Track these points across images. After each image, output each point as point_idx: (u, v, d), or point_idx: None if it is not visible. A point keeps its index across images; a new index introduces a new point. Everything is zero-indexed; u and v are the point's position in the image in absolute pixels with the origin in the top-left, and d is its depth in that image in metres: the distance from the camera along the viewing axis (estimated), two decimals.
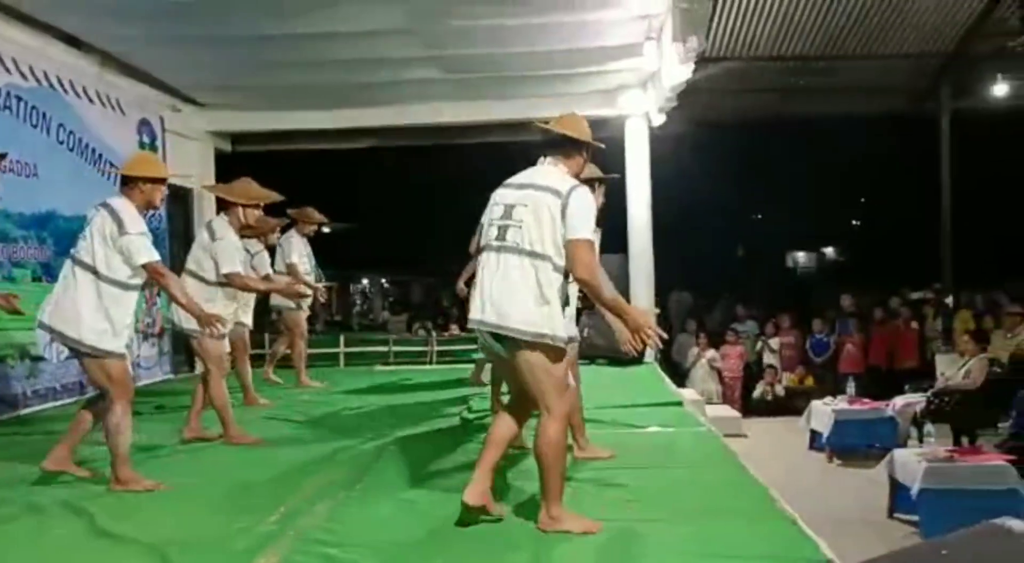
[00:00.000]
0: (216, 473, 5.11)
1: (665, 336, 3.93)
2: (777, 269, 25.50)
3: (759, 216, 25.06)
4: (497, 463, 3.88)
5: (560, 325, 3.68)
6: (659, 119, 10.52)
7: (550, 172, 3.85)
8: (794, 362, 14.01)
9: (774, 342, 14.13)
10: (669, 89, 9.18)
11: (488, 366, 6.95)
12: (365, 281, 27.48)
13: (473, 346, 12.41)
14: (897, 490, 7.15)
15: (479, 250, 4.01)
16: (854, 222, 26.06)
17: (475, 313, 3.79)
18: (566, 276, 3.73)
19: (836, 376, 13.51)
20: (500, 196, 3.86)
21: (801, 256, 28.50)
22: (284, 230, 8.28)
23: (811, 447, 10.07)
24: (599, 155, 4.37)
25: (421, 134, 11.92)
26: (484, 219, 3.96)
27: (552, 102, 10.22)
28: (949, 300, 12.75)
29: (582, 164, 4.04)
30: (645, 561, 3.44)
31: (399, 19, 7.90)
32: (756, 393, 13.51)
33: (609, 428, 6.13)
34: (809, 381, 13.65)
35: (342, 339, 12.30)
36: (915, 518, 6.73)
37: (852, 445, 9.76)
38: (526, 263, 3.67)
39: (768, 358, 14.05)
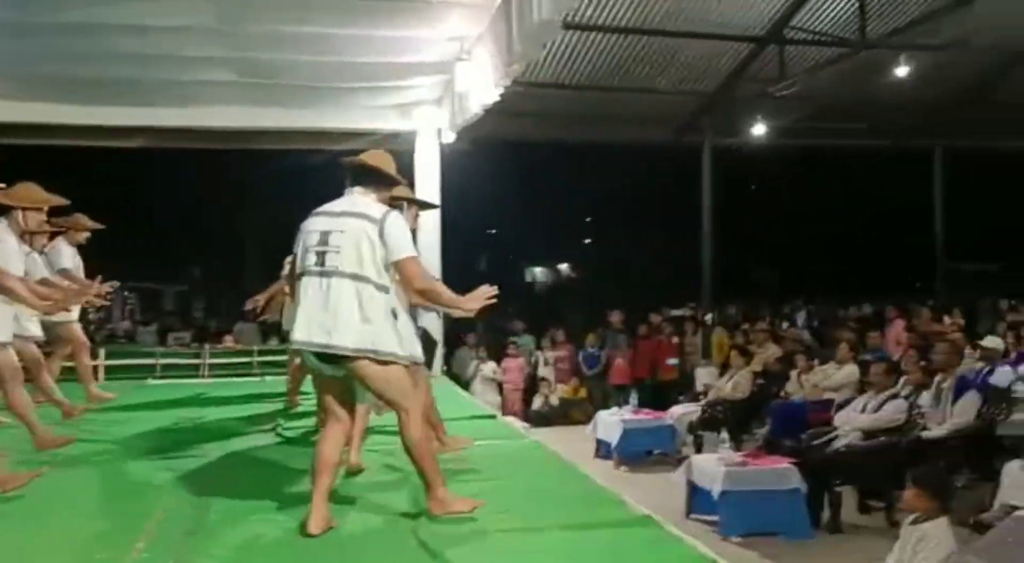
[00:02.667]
0: (56, 499, 4.69)
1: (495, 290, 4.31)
2: (518, 282, 26.64)
3: (493, 231, 25.97)
4: (331, 486, 4.07)
5: (387, 341, 3.97)
6: (449, 136, 10.73)
7: (362, 201, 4.12)
8: (567, 374, 14.70)
9: (549, 355, 14.76)
10: (480, 108, 9.39)
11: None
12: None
13: (247, 359, 12.07)
14: (694, 492, 7.74)
15: (296, 275, 4.17)
16: (585, 241, 27.65)
17: (301, 335, 4.01)
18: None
19: (604, 388, 14.37)
20: (313, 224, 4.13)
21: (539, 271, 29.86)
22: (51, 238, 7.57)
23: (596, 455, 10.62)
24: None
25: (204, 137, 11.36)
26: (298, 247, 4.16)
27: (347, 113, 10.24)
28: (708, 317, 13.93)
29: (387, 196, 4.38)
30: None
31: (202, 17, 7.56)
32: (535, 405, 14.03)
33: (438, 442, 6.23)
34: (582, 393, 14.37)
35: (103, 351, 11.42)
36: (713, 518, 7.31)
37: (636, 452, 10.40)
38: (347, 285, 3.94)
39: (543, 371, 14.66)
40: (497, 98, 8.87)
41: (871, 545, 7.08)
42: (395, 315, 4.10)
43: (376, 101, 10.42)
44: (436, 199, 11.05)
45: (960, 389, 8.26)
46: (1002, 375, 9.61)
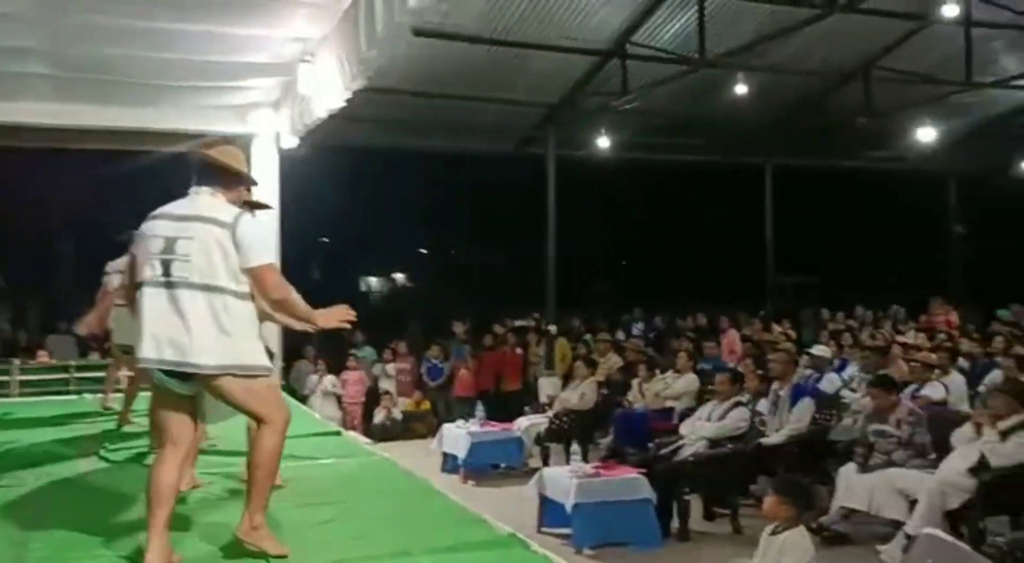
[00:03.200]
0: None
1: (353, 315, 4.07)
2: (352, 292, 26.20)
3: (325, 240, 25.45)
4: (170, 516, 3.63)
5: (246, 355, 3.65)
6: (291, 141, 10.31)
7: (210, 203, 3.75)
8: (410, 387, 14.41)
9: (391, 367, 14.44)
10: (324, 113, 9.03)
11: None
12: None
13: (63, 375, 11.20)
14: (545, 505, 7.65)
15: (135, 285, 3.73)
16: (420, 250, 27.53)
17: (148, 352, 3.59)
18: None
19: (448, 400, 14.17)
20: (154, 228, 3.70)
21: (373, 281, 29.47)
22: None
23: (442, 469, 10.40)
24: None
25: (9, 134, 10.42)
26: (138, 253, 3.73)
27: (175, 113, 9.68)
28: (552, 328, 13.99)
29: (240, 196, 4.02)
30: None
31: (20, 5, 6.91)
32: (377, 419, 13.67)
33: (282, 461, 5.86)
34: (425, 405, 14.12)
35: None
36: (565, 530, 7.23)
37: (483, 466, 10.26)
38: (198, 296, 3.59)
39: (385, 383, 14.31)
40: (343, 103, 8.60)
41: (719, 551, 7.23)
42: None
43: (208, 101, 9.83)
44: (275, 206, 10.63)
45: (796, 396, 8.56)
46: (830, 382, 10.09)
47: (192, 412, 3.76)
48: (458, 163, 15.82)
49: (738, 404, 8.11)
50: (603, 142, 13.35)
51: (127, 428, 6.81)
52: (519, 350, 14.25)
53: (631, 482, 7.31)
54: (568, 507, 7.10)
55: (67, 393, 9.83)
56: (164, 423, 3.76)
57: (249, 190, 4.33)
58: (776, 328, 14.94)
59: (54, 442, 6.53)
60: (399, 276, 29.40)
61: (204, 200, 3.75)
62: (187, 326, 3.55)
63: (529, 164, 14.52)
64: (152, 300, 3.62)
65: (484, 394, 13.92)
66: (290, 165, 10.98)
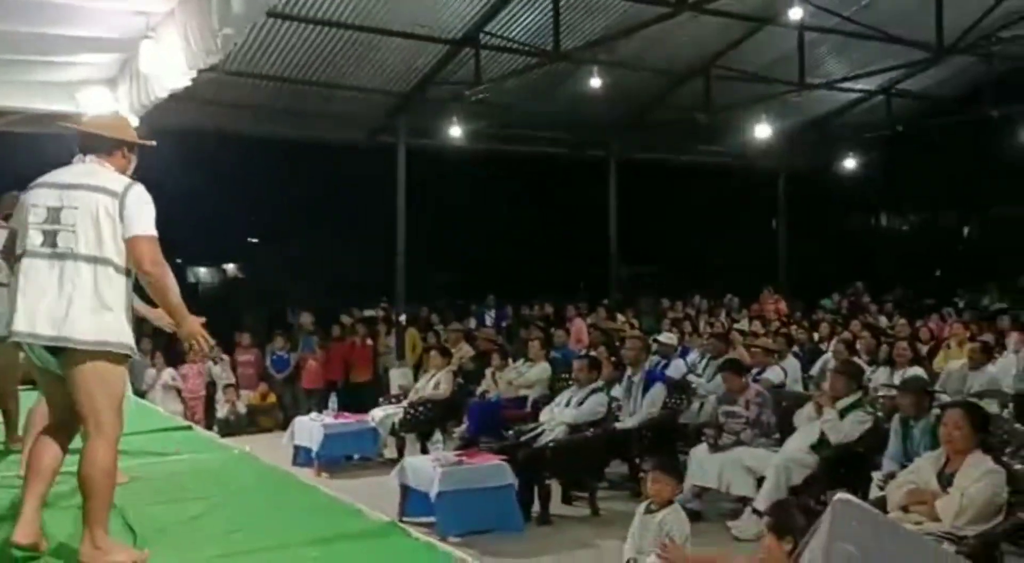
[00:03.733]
0: None
1: (213, 342, 3.90)
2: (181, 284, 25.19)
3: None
4: (46, 495, 3.54)
5: (125, 332, 3.49)
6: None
7: (98, 171, 3.60)
8: (254, 379, 13.96)
9: (222, 363, 13.92)
10: (165, 93, 8.57)
11: None
12: None
13: None
14: (407, 495, 7.58)
15: (16, 257, 3.53)
16: (251, 239, 26.80)
17: (21, 325, 3.39)
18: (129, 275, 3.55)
19: (295, 392, 13.82)
20: (37, 197, 3.53)
21: (203, 272, 28.42)
22: None
23: (294, 463, 10.13)
24: None
25: None
26: (18, 222, 3.57)
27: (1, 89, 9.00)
28: (402, 317, 13.88)
29: (127, 164, 3.81)
30: None
31: None
32: (220, 413, 13.17)
33: (131, 458, 5.51)
34: (271, 398, 13.71)
35: None
36: (428, 519, 7.17)
37: (337, 458, 10.07)
38: (84, 268, 3.43)
39: (226, 376, 13.79)
40: (188, 83, 8.19)
41: (580, 533, 7.40)
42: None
43: (36, 77, 9.18)
44: None
45: (648, 382, 8.85)
46: (676, 368, 10.49)
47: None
48: (306, 151, 15.39)
49: (595, 390, 8.29)
50: (455, 132, 13.31)
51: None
52: (369, 341, 14.05)
53: (495, 469, 7.34)
54: (432, 495, 7.07)
55: None
56: (51, 404, 3.61)
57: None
58: (620, 317, 15.37)
59: None
60: (230, 266, 28.44)
61: (91, 168, 3.59)
62: (69, 299, 3.38)
63: (379, 153, 14.31)
64: (32, 271, 3.43)
65: (333, 385, 13.67)
66: None
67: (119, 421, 3.52)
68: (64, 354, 3.41)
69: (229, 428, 12.54)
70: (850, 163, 17.92)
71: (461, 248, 20.68)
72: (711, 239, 21.54)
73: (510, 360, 11.27)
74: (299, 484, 5.23)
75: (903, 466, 6.04)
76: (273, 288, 19.79)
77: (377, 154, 14.51)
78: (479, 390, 10.94)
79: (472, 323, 15.30)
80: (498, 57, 12.28)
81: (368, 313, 15.24)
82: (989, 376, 9.03)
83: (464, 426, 10.31)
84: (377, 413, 10.46)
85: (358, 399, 12.71)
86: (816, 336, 12.65)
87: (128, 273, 3.51)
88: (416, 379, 12.70)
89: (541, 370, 10.66)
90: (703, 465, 7.55)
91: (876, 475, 6.33)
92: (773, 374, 9.37)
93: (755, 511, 7.10)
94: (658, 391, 8.69)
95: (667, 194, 19.78)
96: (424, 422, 10.34)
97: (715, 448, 7.56)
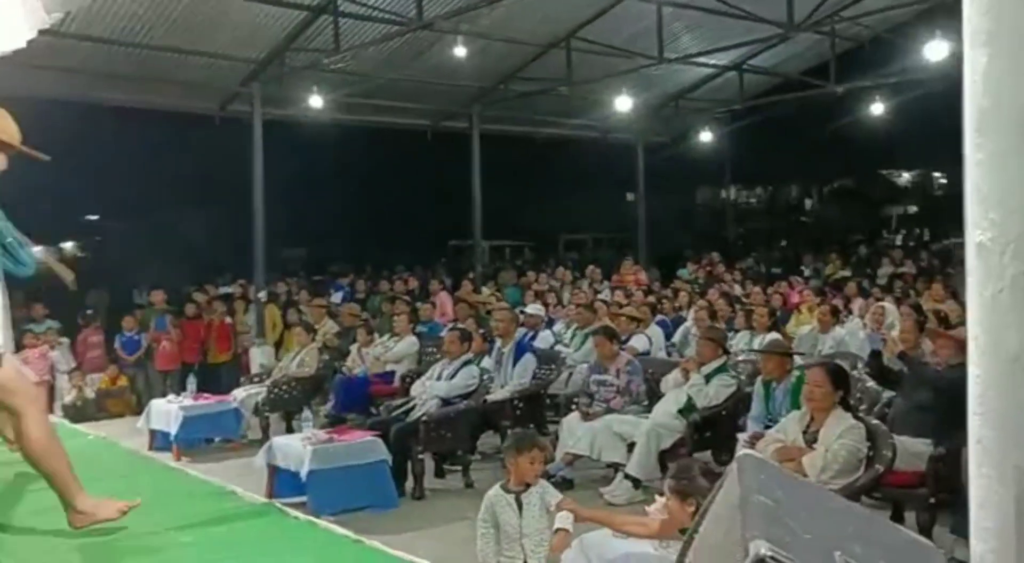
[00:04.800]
0: None
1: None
2: None
3: None
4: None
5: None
6: None
7: None
8: (101, 362, 13.23)
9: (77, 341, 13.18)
10: None
11: None
12: None
13: None
14: (276, 475, 7.35)
15: None
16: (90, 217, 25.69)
17: None
18: None
19: (148, 374, 13.18)
20: None
21: (37, 250, 27.01)
22: None
23: (151, 448, 9.67)
24: None
25: None
26: None
27: None
28: (262, 295, 13.43)
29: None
30: None
31: None
32: (67, 398, 12.41)
33: None
34: (122, 381, 13.03)
35: None
36: (299, 499, 6.95)
37: (197, 440, 9.69)
38: None
39: (69, 361, 13.02)
40: (23, 45, 7.61)
41: (455, 506, 7.32)
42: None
43: None
44: None
45: (518, 353, 8.87)
46: (543, 339, 10.59)
47: None
48: (152, 120, 14.59)
49: (466, 363, 8.23)
50: (315, 102, 12.89)
51: None
52: (227, 319, 13.53)
53: (367, 445, 7.20)
54: (303, 474, 6.87)
55: None
56: None
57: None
58: (484, 290, 15.39)
59: None
60: (68, 245, 27.09)
61: None
62: None
63: (232, 124, 13.74)
64: None
65: (189, 367, 13.09)
66: None
67: (33, 393, 3.54)
68: None
69: (77, 414, 11.85)
70: (704, 136, 18.46)
71: (315, 222, 20.22)
72: (571, 211, 21.83)
73: (375, 335, 11.10)
74: (164, 468, 4.98)
75: (766, 427, 6.29)
76: (118, 267, 18.76)
77: (230, 124, 13.93)
78: (344, 366, 10.72)
79: (338, 298, 14.93)
80: (359, 25, 11.93)
81: (224, 290, 14.69)
82: (838, 338, 9.50)
83: (330, 403, 10.11)
84: (239, 393, 10.10)
85: (217, 380, 12.27)
86: (676, 305, 13.01)
87: None
88: (277, 357, 12.38)
89: (409, 344, 10.52)
90: (575, 433, 7.62)
91: (741, 436, 6.53)
92: (639, 342, 9.56)
93: (627, 476, 7.26)
94: (528, 361, 8.72)
95: (530, 166, 19.87)
96: (289, 401, 10.06)
97: (587, 416, 7.65)
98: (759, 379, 6.91)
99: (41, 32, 7.13)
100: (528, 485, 4.35)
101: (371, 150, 18.42)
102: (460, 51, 11.34)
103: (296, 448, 7.15)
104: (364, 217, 20.51)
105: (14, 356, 3.55)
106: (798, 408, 5.78)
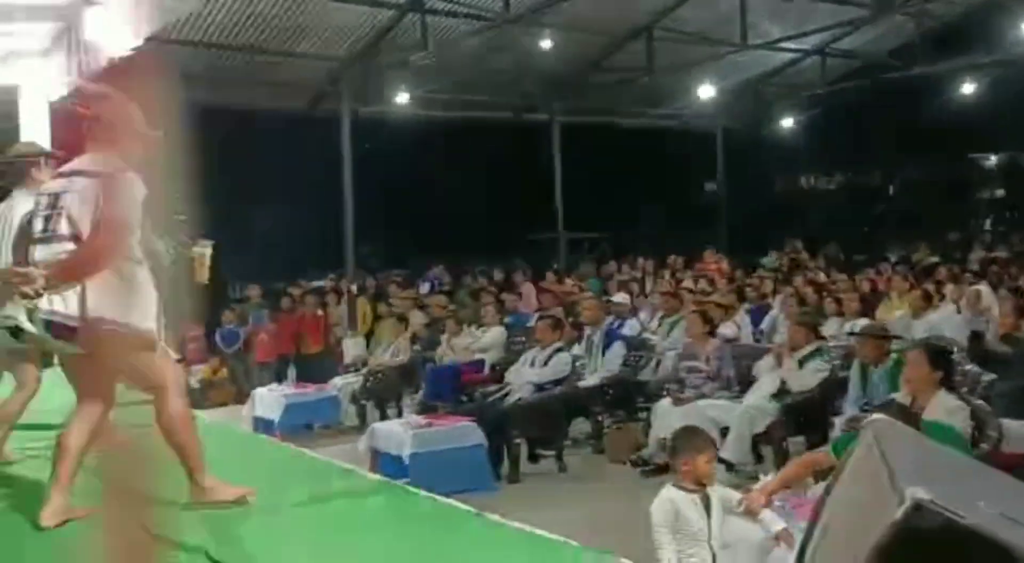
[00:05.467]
0: None
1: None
2: None
3: None
4: (74, 476, 3.54)
5: None
6: (63, 92, 9.49)
7: None
8: (201, 354, 13.75)
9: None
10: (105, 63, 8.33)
11: None
12: None
13: None
14: (377, 459, 7.62)
15: None
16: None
17: None
18: None
19: (247, 365, 13.66)
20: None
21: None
22: None
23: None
24: None
25: None
26: None
27: None
28: (353, 287, 13.80)
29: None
30: None
31: None
32: None
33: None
34: (222, 373, 13.55)
35: None
36: (402, 483, 7.21)
37: (298, 426, 10.06)
38: None
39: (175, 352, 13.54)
40: (131, 52, 7.98)
41: (550, 490, 7.51)
42: None
43: None
44: None
45: (607, 341, 9.01)
46: (630, 327, 10.68)
47: None
48: (250, 119, 15.07)
49: (559, 350, 8.40)
50: (402, 99, 13.17)
51: None
52: (319, 312, 13.94)
53: (464, 429, 7.42)
54: (405, 457, 7.12)
55: None
56: None
57: None
58: (567, 281, 15.52)
59: None
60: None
61: None
62: None
63: (322, 122, 14.12)
64: None
65: (285, 358, 13.54)
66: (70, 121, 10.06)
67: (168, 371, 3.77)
68: None
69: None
70: (785, 122, 18.25)
71: (394, 217, 20.50)
72: (650, 200, 21.74)
73: (464, 326, 11.33)
74: (286, 450, 5.23)
75: (863, 410, 6.30)
76: (212, 262, 19.33)
77: (319, 122, 14.32)
78: (435, 356, 10.98)
79: (425, 289, 15.23)
80: (447, 21, 12.17)
81: (317, 284, 15.12)
82: (932, 324, 9.38)
83: (421, 391, 10.38)
84: (337, 381, 10.46)
85: (311, 370, 12.65)
86: (761, 292, 12.93)
87: None
88: (368, 348, 12.72)
89: (497, 334, 10.74)
90: (667, 418, 7.70)
91: (838, 420, 6.57)
92: (728, 329, 9.59)
93: (720, 460, 7.32)
94: (618, 348, 8.85)
95: (609, 157, 19.85)
96: (384, 389, 10.36)
97: (678, 402, 7.74)
98: (856, 362, 6.91)
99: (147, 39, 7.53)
100: (704, 485, 4.24)
101: (450, 144, 18.60)
102: (546, 43, 11.47)
103: (397, 432, 7.41)
104: (443, 212, 20.71)
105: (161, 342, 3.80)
106: (897, 391, 5.78)
